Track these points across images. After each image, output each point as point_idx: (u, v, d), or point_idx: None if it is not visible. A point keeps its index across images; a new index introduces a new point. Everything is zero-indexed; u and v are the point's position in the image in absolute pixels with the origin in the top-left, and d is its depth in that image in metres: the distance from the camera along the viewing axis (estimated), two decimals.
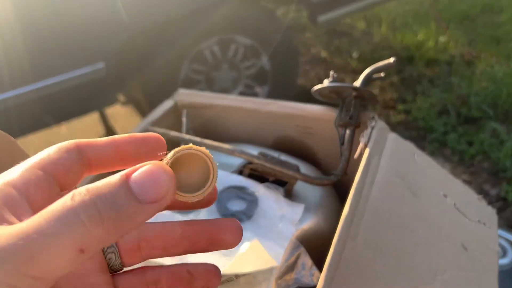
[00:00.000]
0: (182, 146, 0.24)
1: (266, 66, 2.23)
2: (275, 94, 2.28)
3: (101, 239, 0.19)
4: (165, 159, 0.23)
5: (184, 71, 2.08)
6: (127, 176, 0.20)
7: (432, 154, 2.07)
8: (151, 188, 0.20)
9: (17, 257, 0.17)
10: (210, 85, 2.19)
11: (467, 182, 1.93)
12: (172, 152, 0.23)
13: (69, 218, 0.18)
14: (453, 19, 3.01)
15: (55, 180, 0.22)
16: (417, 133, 2.20)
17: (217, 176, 0.24)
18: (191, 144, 0.24)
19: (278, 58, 2.22)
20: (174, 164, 0.23)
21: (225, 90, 2.23)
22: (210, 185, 0.24)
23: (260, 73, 2.24)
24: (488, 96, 2.26)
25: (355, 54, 2.86)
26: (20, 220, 0.19)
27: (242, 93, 2.27)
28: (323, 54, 2.96)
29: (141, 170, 0.20)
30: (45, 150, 0.23)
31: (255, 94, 2.29)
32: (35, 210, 0.20)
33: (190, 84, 2.11)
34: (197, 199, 0.24)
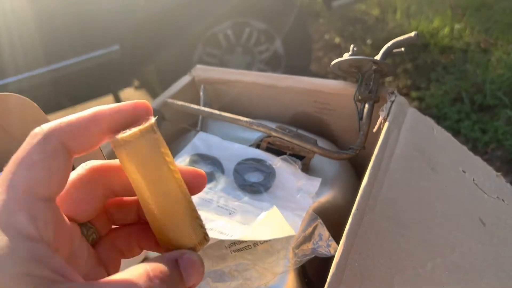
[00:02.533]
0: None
1: (280, 51, 2.23)
2: None
3: None
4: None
5: (198, 54, 2.07)
6: (177, 262, 0.24)
7: None
8: (194, 277, 0.24)
9: None
10: None
11: None
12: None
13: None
14: (469, 6, 2.96)
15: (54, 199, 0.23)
16: None
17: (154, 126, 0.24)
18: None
19: (292, 43, 2.21)
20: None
21: None
22: (145, 125, 0.23)
23: (273, 57, 2.24)
24: (504, 84, 2.24)
25: (369, 41, 2.83)
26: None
27: None
28: (337, 40, 2.94)
29: (185, 258, 0.24)
30: (26, 164, 0.22)
31: None
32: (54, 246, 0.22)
33: None
34: (131, 137, 0.23)
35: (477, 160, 0.72)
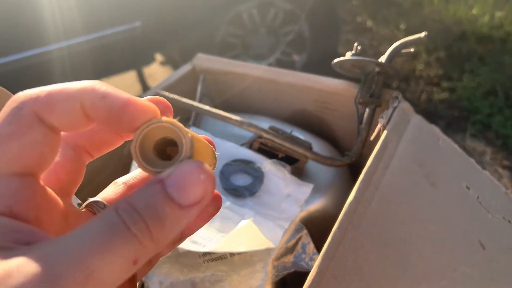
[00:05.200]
0: (151, 120, 0.21)
1: (306, 33, 2.15)
2: (313, 62, 2.21)
3: (151, 249, 0.19)
4: (137, 131, 0.21)
5: (221, 34, 2.03)
6: (161, 182, 0.19)
7: (474, 136, 1.96)
8: (190, 190, 0.19)
9: (74, 278, 0.16)
10: (247, 50, 2.13)
11: (508, 168, 1.82)
12: (140, 128, 0.21)
13: (122, 232, 0.18)
14: None
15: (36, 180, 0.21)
16: (460, 113, 2.08)
17: (190, 147, 0.21)
18: (170, 119, 0.22)
19: (318, 25, 2.14)
20: (146, 138, 0.21)
21: (261, 56, 2.17)
22: (178, 160, 0.21)
23: (298, 40, 2.17)
24: None
25: (402, 26, 2.71)
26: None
27: (278, 60, 2.20)
28: (369, 23, 2.83)
29: (175, 173, 0.19)
30: None
31: (292, 62, 2.23)
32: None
33: (226, 47, 2.07)
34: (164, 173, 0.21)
35: (485, 175, 0.66)
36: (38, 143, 0.20)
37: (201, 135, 0.24)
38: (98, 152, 0.25)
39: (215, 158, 0.26)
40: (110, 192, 0.27)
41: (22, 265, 0.16)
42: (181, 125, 0.21)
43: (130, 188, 0.27)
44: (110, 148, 0.26)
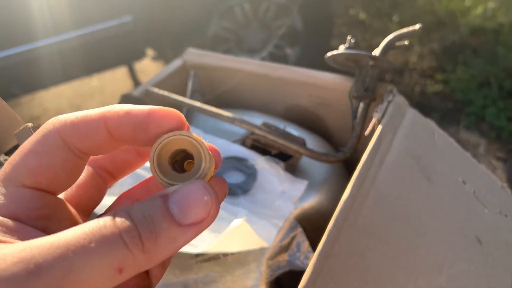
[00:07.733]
0: (174, 132, 0.21)
1: (298, 26, 2.14)
2: (306, 56, 2.19)
3: (141, 262, 0.18)
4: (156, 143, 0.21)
5: (213, 28, 2.01)
6: (165, 197, 0.19)
7: (468, 128, 1.96)
8: (191, 210, 0.19)
9: (53, 272, 0.16)
10: (239, 44, 2.11)
11: (502, 160, 1.82)
12: (160, 138, 0.21)
13: (111, 237, 0.17)
14: None
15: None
16: (454, 105, 2.08)
17: (209, 166, 0.22)
18: (190, 132, 0.22)
19: (311, 18, 2.12)
20: (163, 149, 0.22)
21: (254, 50, 2.15)
22: (198, 176, 0.21)
23: (291, 33, 2.15)
24: None
25: (395, 18, 2.70)
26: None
27: (271, 54, 2.19)
28: (362, 16, 2.81)
29: (180, 191, 0.19)
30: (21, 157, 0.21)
31: (285, 55, 2.21)
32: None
33: (218, 41, 2.05)
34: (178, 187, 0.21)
35: (481, 169, 0.65)
36: (55, 165, 0.21)
37: (207, 143, 0.24)
38: (120, 174, 0.26)
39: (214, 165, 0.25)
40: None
41: (7, 254, 0.16)
42: (206, 146, 0.21)
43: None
44: (132, 169, 0.26)
